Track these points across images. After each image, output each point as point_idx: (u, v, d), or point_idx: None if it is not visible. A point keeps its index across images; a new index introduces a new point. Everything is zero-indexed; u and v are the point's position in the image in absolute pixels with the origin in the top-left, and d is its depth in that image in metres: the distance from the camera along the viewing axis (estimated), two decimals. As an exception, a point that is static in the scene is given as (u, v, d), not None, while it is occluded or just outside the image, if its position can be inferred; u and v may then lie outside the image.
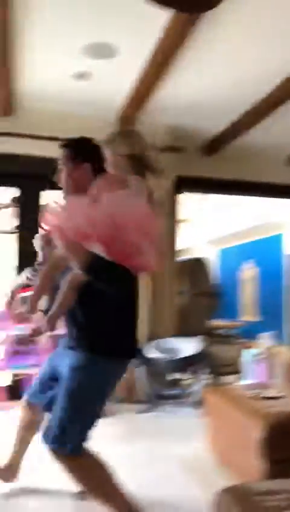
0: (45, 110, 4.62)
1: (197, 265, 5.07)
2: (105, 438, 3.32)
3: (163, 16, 2.99)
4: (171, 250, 4.83)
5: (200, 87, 4.11)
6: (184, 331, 4.82)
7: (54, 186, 2.31)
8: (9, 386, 4.45)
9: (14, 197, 6.50)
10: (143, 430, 3.59)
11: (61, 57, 3.68)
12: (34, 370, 4.11)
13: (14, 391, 4.42)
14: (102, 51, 3.56)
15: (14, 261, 4.82)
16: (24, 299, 2.19)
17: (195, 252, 6.89)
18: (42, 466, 2.39)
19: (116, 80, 4.01)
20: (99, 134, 4.80)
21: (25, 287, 2.29)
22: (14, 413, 2.50)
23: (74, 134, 4.55)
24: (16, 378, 4.39)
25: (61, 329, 2.13)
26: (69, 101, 4.46)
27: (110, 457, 2.88)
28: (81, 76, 3.96)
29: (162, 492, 2.41)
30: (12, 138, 4.52)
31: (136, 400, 4.48)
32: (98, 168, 2.08)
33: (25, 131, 4.56)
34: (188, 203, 6.11)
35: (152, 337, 4.60)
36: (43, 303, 2.01)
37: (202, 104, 4.45)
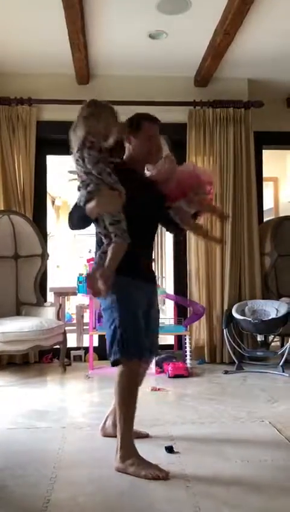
0: (122, 76, 4.60)
1: (282, 226, 4.87)
2: (193, 397, 3.42)
3: None
4: (256, 210, 4.67)
5: (281, 36, 3.85)
6: (270, 293, 4.72)
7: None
8: (97, 347, 4.65)
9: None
10: (230, 390, 3.61)
11: (136, 16, 3.61)
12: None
13: (102, 352, 4.63)
14: (176, 5, 3.44)
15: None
16: None
17: (281, 211, 6.62)
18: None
19: (192, 35, 3.88)
20: (178, 95, 4.75)
21: None
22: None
23: (154, 96, 4.53)
24: (105, 339, 4.57)
25: None
26: (146, 62, 4.40)
27: (199, 415, 2.96)
28: (157, 35, 3.87)
29: (249, 451, 2.43)
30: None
31: (223, 360, 4.51)
32: None
33: (102, 98, 4.55)
34: (273, 160, 5.83)
35: (239, 299, 4.56)
36: None
37: (284, 56, 4.18)
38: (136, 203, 2.21)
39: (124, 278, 2.22)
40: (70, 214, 2.30)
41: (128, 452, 2.16)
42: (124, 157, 2.44)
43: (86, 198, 2.19)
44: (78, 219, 2.26)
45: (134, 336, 2.22)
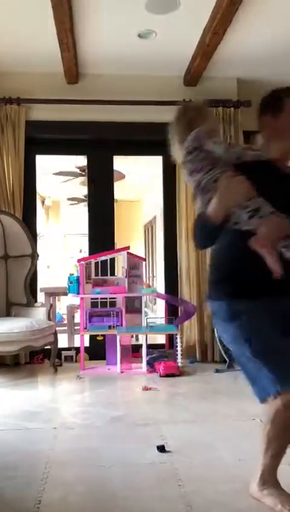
0: (111, 75, 4.59)
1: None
2: (185, 396, 3.42)
3: None
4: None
5: (270, 36, 3.87)
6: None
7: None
8: (88, 347, 4.64)
9: (81, 166, 6.55)
10: (221, 388, 3.62)
11: (125, 15, 3.60)
12: (112, 331, 4.25)
13: (93, 352, 4.62)
14: (165, 4, 3.44)
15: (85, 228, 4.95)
16: None
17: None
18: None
19: (181, 35, 3.88)
20: (167, 94, 4.75)
21: None
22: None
23: (143, 95, 4.54)
24: (96, 339, 4.57)
25: None
26: (135, 62, 4.39)
27: (191, 414, 2.97)
28: (146, 34, 3.87)
29: (241, 450, 2.43)
30: (79, 105, 4.55)
31: (214, 359, 4.53)
32: None
33: (91, 97, 4.57)
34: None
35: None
36: None
37: (273, 55, 4.20)
38: (272, 200, 1.67)
39: (241, 301, 1.77)
40: (194, 234, 1.88)
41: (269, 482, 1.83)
42: (259, 146, 1.96)
43: (206, 200, 1.71)
44: (203, 236, 1.83)
45: (277, 362, 1.71)
